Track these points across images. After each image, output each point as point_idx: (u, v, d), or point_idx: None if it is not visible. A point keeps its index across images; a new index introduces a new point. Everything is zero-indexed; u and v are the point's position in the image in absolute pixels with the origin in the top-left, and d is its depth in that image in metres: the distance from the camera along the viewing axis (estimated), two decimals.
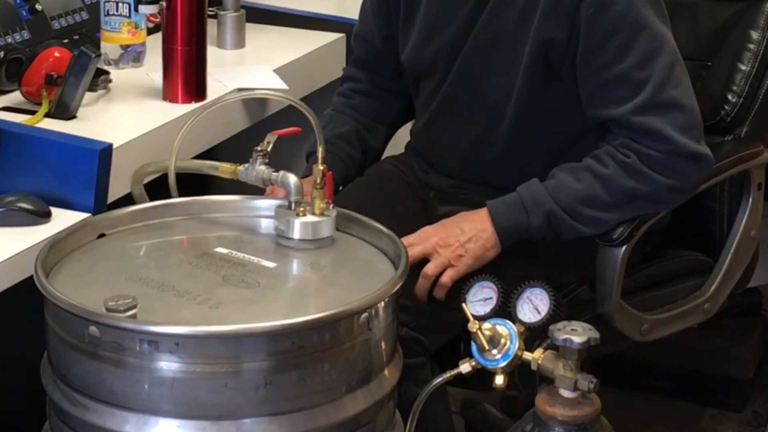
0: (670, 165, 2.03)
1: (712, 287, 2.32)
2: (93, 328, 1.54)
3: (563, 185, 2.05)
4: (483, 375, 1.72)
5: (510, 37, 2.08)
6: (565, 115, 2.10)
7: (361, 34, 2.37)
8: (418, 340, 1.98)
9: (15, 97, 2.23)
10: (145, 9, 2.30)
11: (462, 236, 2.04)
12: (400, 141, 2.42)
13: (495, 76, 2.11)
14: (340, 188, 2.23)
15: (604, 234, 2.08)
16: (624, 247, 2.08)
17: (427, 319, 2.00)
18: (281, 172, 1.82)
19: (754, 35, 2.30)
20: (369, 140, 2.32)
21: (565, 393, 1.64)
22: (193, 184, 1.98)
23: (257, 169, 1.84)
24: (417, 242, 2.03)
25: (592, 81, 2.04)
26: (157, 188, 1.99)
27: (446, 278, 2.01)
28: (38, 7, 2.42)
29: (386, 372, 1.68)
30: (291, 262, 1.79)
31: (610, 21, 2.00)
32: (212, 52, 2.42)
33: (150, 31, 2.54)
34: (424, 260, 2.03)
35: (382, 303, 1.64)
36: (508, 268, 2.02)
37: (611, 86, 2.03)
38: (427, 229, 2.06)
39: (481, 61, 2.12)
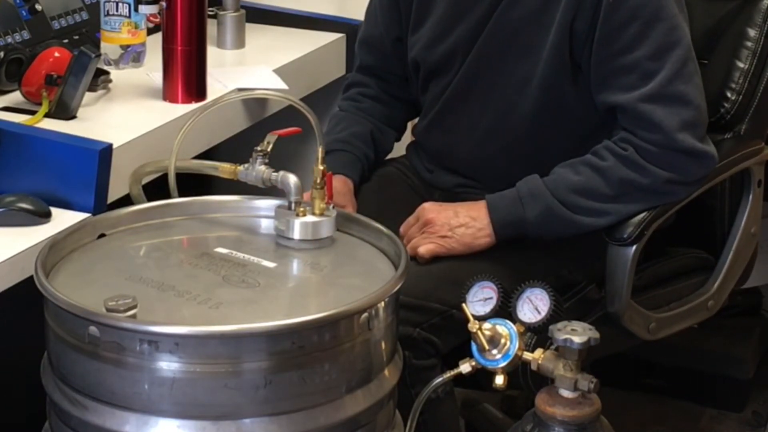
0: (666, 159, 2.04)
1: (715, 284, 2.32)
2: (93, 328, 1.54)
3: (561, 179, 2.07)
4: (484, 374, 1.72)
5: (531, 24, 2.08)
6: (581, 106, 2.10)
7: (367, 39, 2.34)
8: (431, 341, 1.98)
9: (15, 97, 2.23)
10: (145, 9, 2.30)
11: (454, 220, 2.07)
12: (399, 143, 2.42)
13: (515, 62, 2.11)
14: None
15: (614, 233, 2.08)
16: (635, 247, 2.08)
17: (441, 319, 1.99)
18: (281, 172, 1.82)
19: (752, 33, 2.30)
20: (382, 142, 2.32)
21: (565, 393, 1.64)
22: (193, 184, 1.98)
23: (257, 169, 1.84)
24: (412, 221, 2.09)
25: (604, 66, 2.05)
26: (157, 188, 1.99)
27: (415, 250, 2.04)
28: (38, 7, 2.42)
29: (386, 372, 1.68)
30: (291, 262, 1.79)
31: (630, 8, 2.01)
32: (212, 52, 2.42)
33: (150, 31, 2.54)
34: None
35: (382, 303, 1.64)
36: (516, 267, 2.03)
37: (622, 73, 2.04)
38: (425, 206, 2.11)
39: (500, 47, 2.12)
